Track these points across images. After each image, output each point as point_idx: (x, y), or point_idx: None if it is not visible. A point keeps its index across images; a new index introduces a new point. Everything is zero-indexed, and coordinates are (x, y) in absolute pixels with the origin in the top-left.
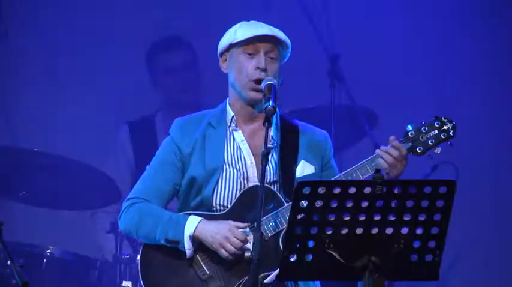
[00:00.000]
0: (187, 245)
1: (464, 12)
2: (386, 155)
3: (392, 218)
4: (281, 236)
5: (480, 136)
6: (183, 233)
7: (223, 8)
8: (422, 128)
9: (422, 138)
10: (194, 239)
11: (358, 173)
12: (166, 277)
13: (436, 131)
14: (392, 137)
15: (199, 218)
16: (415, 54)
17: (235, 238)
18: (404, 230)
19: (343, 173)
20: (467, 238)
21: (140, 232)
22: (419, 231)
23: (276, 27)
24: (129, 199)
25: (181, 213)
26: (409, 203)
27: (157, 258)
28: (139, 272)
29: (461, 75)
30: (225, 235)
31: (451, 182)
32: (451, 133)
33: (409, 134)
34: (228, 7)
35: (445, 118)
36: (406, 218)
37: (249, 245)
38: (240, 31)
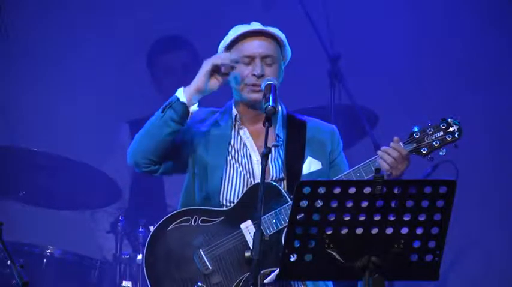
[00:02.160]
0: (180, 93)
1: (465, 12)
2: (386, 156)
3: (393, 218)
4: (283, 234)
5: (480, 136)
6: (174, 94)
7: (223, 8)
8: (428, 130)
9: (427, 139)
10: (185, 90)
11: (362, 172)
12: (170, 271)
13: (442, 133)
14: (396, 139)
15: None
16: (415, 54)
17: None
18: (404, 230)
19: (345, 172)
20: (468, 238)
21: (144, 141)
22: (419, 231)
23: (276, 27)
24: None
25: None
26: (409, 203)
27: (161, 252)
28: (144, 266)
29: (461, 75)
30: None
31: (451, 182)
32: (456, 135)
33: (414, 135)
34: (228, 7)
35: (451, 120)
36: (406, 218)
37: (250, 243)
38: (232, 33)
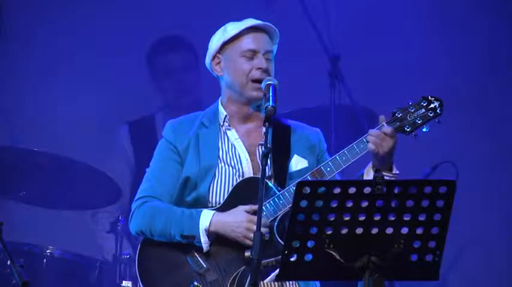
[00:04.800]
0: (204, 239)
1: (465, 12)
2: (369, 137)
3: (392, 218)
4: (275, 225)
5: (480, 136)
6: (198, 227)
7: (224, 9)
8: (410, 108)
9: (410, 117)
10: (210, 232)
11: (348, 155)
12: (164, 273)
13: (424, 110)
14: (381, 117)
15: (213, 212)
16: (415, 53)
17: None
18: (404, 230)
19: (331, 158)
20: (468, 238)
21: (154, 231)
22: (419, 231)
23: (276, 27)
24: (137, 199)
25: (193, 209)
26: (409, 203)
27: (154, 254)
28: (136, 269)
29: (461, 75)
30: (247, 226)
31: (451, 182)
32: (438, 111)
33: (396, 114)
34: (228, 8)
35: (431, 97)
36: (406, 218)
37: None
38: (231, 27)
